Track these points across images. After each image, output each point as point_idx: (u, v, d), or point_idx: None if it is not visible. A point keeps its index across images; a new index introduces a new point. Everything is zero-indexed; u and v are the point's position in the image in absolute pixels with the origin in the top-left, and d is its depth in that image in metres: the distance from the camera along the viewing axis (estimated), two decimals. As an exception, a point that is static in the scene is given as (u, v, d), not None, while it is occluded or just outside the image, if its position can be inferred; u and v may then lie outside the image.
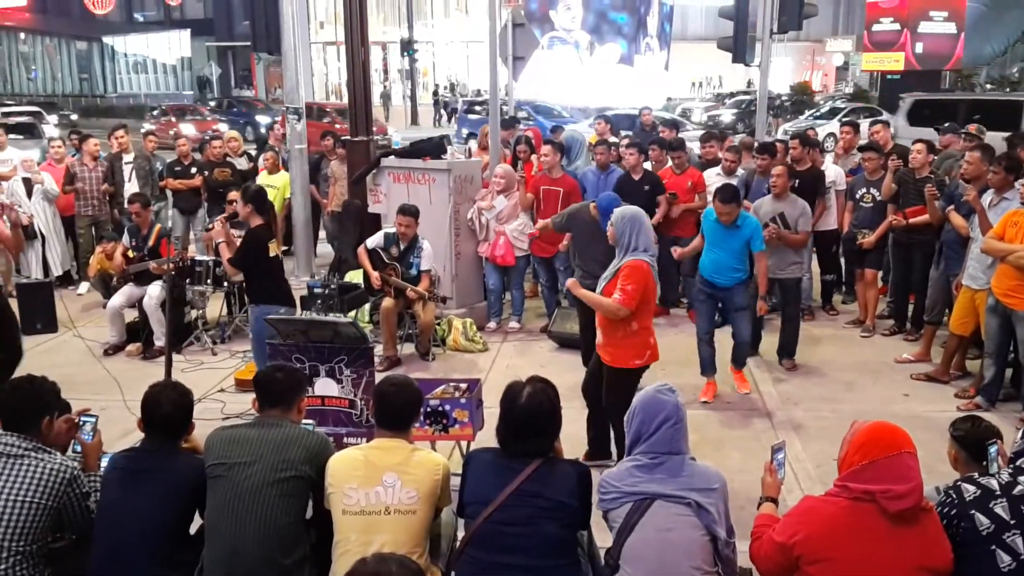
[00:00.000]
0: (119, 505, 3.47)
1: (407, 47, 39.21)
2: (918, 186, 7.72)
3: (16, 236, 6.77)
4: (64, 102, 46.08)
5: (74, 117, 37.06)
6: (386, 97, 42.97)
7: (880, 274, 8.64)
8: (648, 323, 5.34)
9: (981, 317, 6.61)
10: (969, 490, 3.18)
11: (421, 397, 3.78)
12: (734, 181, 8.31)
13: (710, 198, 8.40)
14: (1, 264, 9.70)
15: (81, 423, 3.90)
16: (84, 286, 10.10)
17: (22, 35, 58.38)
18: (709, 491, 3.23)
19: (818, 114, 30.69)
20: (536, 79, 30.14)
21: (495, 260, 8.57)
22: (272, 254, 6.55)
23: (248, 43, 15.15)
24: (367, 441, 3.89)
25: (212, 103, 39.57)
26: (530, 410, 3.36)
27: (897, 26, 32.97)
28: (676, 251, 7.41)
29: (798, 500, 3.34)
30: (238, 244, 6.62)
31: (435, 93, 44.07)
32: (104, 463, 3.79)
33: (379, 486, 3.39)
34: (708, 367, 6.98)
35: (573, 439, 5.37)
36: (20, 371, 6.23)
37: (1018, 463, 3.35)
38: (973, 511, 3.11)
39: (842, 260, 9.34)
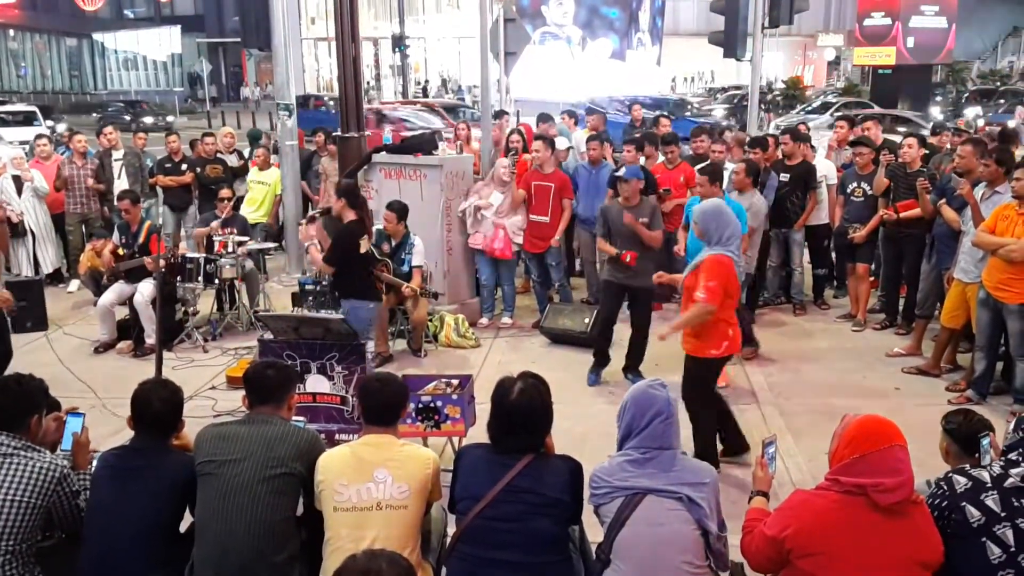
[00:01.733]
0: (109, 503, 3.46)
1: (398, 43, 39.10)
2: (910, 180, 7.73)
3: (0, 232, 6.72)
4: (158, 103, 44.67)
5: (172, 118, 35.62)
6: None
7: (872, 268, 8.65)
8: (728, 315, 5.32)
9: (972, 310, 6.63)
10: (960, 482, 3.18)
11: (407, 392, 3.78)
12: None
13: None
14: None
15: (69, 422, 3.88)
16: (74, 284, 10.06)
17: (11, 32, 58.08)
18: (700, 485, 3.22)
19: (809, 109, 30.75)
20: (528, 75, 30.06)
21: (492, 253, 8.51)
22: (363, 250, 6.47)
23: (239, 39, 15.11)
24: (358, 438, 3.89)
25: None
26: (521, 406, 3.35)
27: (888, 20, 32.98)
28: (677, 250, 7.39)
29: (789, 494, 3.34)
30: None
31: (424, 89, 43.93)
32: (94, 461, 3.77)
33: (370, 482, 3.38)
34: None
35: (565, 435, 5.35)
36: (10, 369, 6.23)
37: (1010, 456, 3.35)
38: (964, 503, 3.12)
39: (833, 255, 9.35)
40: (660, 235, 7.11)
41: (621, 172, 7.27)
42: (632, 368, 7.13)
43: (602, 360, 7.23)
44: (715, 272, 5.11)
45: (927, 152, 8.59)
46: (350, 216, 6.45)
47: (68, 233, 10.42)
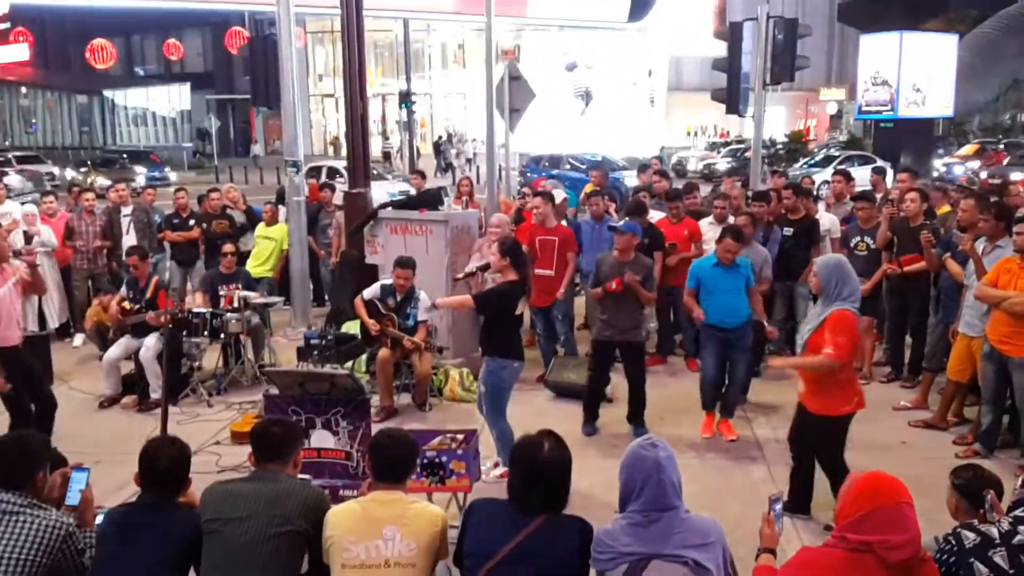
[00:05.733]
0: (115, 560, 3.45)
1: (405, 99, 39.51)
2: (913, 234, 7.77)
3: (36, 277, 6.89)
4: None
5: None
6: (387, 155, 42.03)
7: (875, 321, 8.64)
8: (852, 371, 5.40)
9: (978, 364, 6.62)
10: (969, 537, 3.17)
11: (417, 449, 3.79)
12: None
13: (706, 247, 8.48)
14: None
15: (74, 478, 3.88)
16: (79, 338, 10.08)
17: (23, 89, 58.97)
18: (706, 546, 3.16)
19: (812, 162, 30.97)
20: (531, 129, 30.39)
21: None
22: (519, 312, 6.26)
23: (247, 96, 15.33)
24: (357, 493, 3.88)
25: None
26: (553, 463, 3.34)
27: (886, 95, 33.32)
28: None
29: (796, 551, 3.32)
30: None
31: (436, 143, 44.23)
32: (99, 518, 3.77)
33: (379, 539, 3.38)
34: (711, 404, 7.15)
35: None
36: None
37: (1017, 512, 3.33)
38: (972, 559, 3.10)
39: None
40: (654, 296, 7.31)
41: (618, 224, 7.42)
42: (634, 417, 7.21)
43: (593, 415, 7.34)
44: (843, 327, 5.12)
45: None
46: (511, 276, 6.14)
47: (74, 288, 10.45)
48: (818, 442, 5.45)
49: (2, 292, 6.39)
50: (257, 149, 49.12)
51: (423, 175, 11.64)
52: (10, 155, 34.10)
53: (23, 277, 6.63)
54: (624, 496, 3.29)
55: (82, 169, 32.10)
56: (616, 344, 7.22)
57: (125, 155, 37.02)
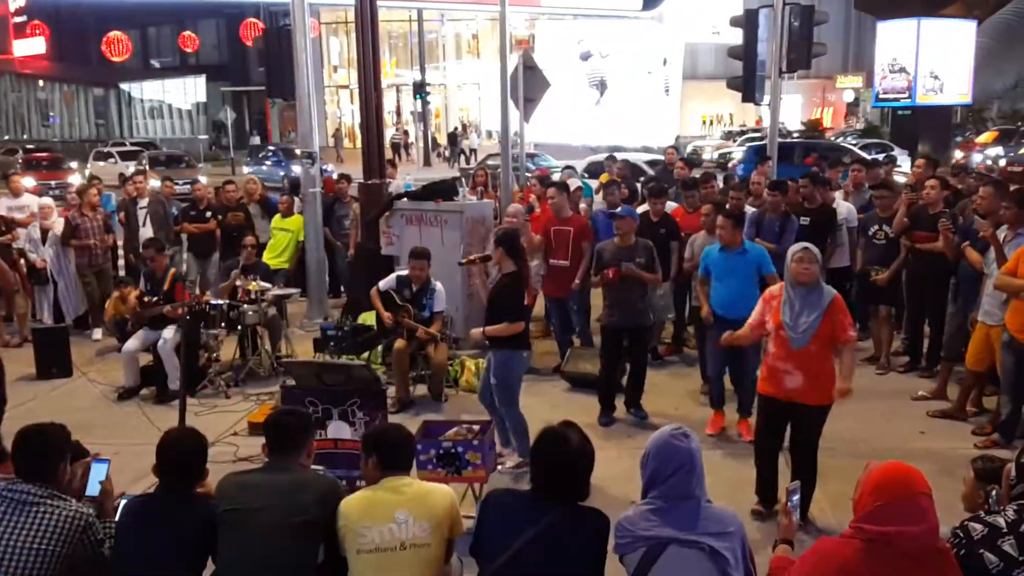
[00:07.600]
0: (134, 551, 3.48)
1: (419, 89, 39.50)
2: (932, 221, 7.70)
3: (2, 271, 6.66)
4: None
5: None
6: (395, 146, 40.29)
7: (893, 311, 8.58)
8: None
9: (996, 353, 6.57)
10: (976, 528, 3.17)
11: (410, 436, 3.88)
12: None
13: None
14: (20, 307, 9.79)
15: (94, 469, 3.92)
16: (98, 332, 10.02)
17: (40, 82, 59.34)
18: (724, 535, 3.17)
19: (829, 151, 30.74)
20: (546, 118, 30.41)
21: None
22: (527, 302, 6.22)
23: (263, 87, 15.31)
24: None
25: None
26: (579, 454, 3.33)
27: (904, 82, 33.05)
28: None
29: (813, 541, 3.31)
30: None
31: (451, 135, 44.21)
32: (120, 508, 3.80)
33: (392, 523, 3.43)
34: (718, 402, 7.07)
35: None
36: (36, 417, 6.29)
37: (1022, 501, 3.32)
38: (982, 550, 3.10)
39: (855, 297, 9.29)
40: (659, 276, 7.36)
41: (617, 210, 7.46)
42: (633, 402, 7.28)
43: (609, 406, 7.31)
44: (847, 308, 5.34)
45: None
46: (509, 267, 6.12)
47: (86, 285, 10.15)
48: (815, 433, 5.43)
49: None
50: (256, 141, 48.84)
51: (394, 165, 11.62)
52: (112, 149, 34.13)
53: None
54: (648, 483, 3.28)
55: (138, 166, 31.45)
56: (624, 331, 7.19)
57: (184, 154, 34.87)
